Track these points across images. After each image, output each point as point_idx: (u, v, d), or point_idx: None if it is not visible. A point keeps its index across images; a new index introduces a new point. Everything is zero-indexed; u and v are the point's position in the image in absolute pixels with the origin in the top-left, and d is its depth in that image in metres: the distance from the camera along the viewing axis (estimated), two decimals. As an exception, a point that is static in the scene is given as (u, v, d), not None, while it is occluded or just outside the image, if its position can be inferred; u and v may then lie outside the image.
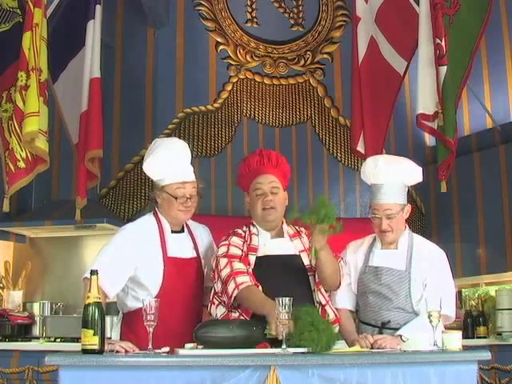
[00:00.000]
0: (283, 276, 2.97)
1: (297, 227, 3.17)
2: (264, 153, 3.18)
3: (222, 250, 3.02)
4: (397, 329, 2.97)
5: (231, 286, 2.85)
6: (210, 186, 5.79)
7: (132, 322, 3.03)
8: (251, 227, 3.12)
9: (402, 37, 4.71)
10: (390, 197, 3.04)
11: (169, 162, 3.03)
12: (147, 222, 3.14)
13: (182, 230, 3.18)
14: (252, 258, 3.00)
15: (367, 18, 4.82)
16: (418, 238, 3.19)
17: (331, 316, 2.97)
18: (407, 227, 3.18)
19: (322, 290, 3.04)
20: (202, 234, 3.26)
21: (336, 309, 3.10)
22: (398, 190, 3.06)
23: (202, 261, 3.17)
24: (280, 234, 3.13)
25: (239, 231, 3.11)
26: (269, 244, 3.07)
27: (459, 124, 4.57)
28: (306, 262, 3.04)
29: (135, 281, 3.03)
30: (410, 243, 3.12)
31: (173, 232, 3.13)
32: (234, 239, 3.05)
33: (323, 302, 3.01)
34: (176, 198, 3.02)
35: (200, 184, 3.13)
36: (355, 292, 3.16)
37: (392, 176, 3.07)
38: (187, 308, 3.03)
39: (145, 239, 3.06)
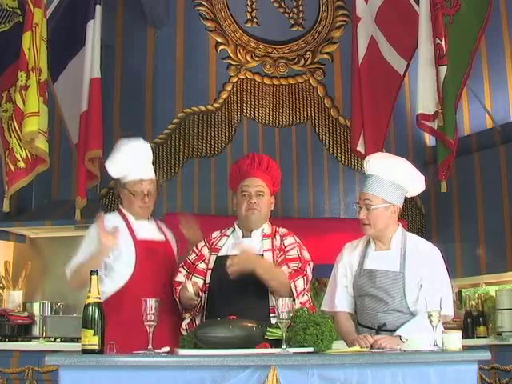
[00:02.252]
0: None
1: (277, 228, 3.23)
2: (256, 156, 3.29)
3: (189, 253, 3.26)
4: (393, 331, 2.95)
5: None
6: (210, 186, 5.81)
7: None
8: (229, 229, 3.28)
9: (401, 37, 4.71)
10: (373, 188, 3.05)
11: (128, 161, 3.30)
12: (113, 215, 3.36)
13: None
14: (212, 258, 3.18)
15: (367, 18, 4.83)
16: (412, 237, 3.15)
17: None
18: (400, 226, 3.15)
19: None
20: (168, 232, 3.43)
21: (334, 312, 3.17)
22: (384, 185, 3.04)
23: (172, 245, 3.35)
24: (250, 235, 3.20)
25: (214, 234, 3.29)
26: (234, 244, 3.17)
27: (459, 124, 4.57)
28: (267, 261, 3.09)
29: (107, 268, 3.16)
30: (403, 243, 3.09)
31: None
32: (200, 243, 3.27)
33: None
34: (134, 195, 3.27)
35: (160, 182, 3.41)
36: (352, 294, 3.15)
37: (381, 170, 3.07)
38: (159, 295, 2.96)
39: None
